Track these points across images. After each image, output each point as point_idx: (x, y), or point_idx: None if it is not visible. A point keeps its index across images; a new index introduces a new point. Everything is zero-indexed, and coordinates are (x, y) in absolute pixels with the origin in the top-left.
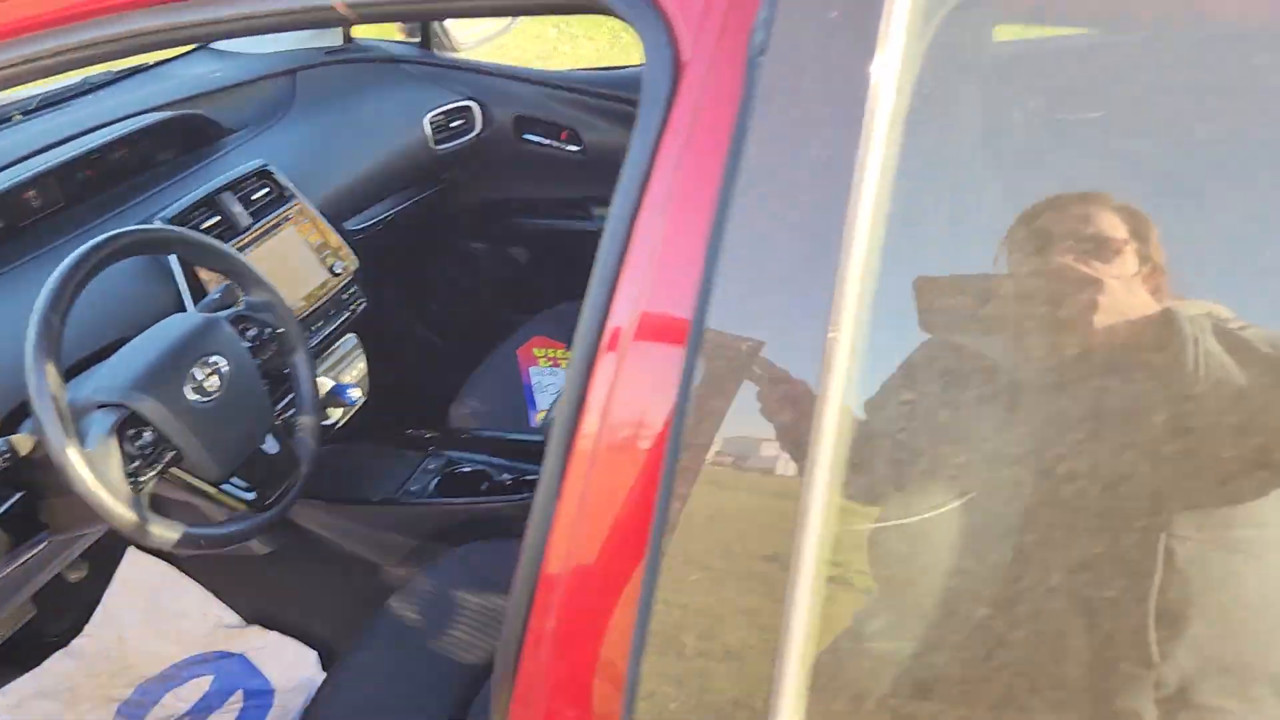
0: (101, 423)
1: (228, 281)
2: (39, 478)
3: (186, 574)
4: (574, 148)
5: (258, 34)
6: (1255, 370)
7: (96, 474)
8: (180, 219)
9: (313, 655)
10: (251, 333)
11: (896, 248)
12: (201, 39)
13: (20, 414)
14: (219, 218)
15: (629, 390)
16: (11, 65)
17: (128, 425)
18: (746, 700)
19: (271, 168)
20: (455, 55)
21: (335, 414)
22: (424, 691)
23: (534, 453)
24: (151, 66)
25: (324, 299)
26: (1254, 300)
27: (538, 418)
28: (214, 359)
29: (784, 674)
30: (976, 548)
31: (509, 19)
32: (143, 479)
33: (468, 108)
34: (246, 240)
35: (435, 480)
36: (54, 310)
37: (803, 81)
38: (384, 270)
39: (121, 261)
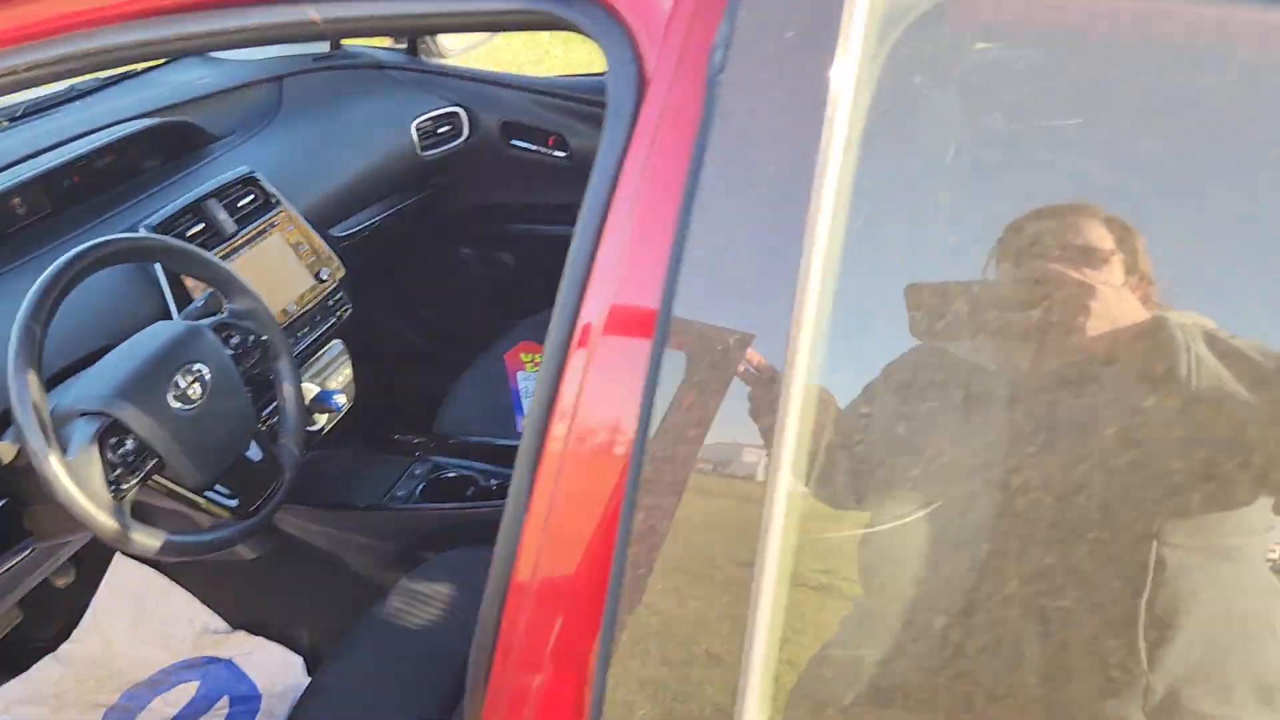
0: (83, 431)
1: (211, 289)
2: (22, 485)
3: (173, 580)
4: (561, 153)
5: (235, 48)
6: (1247, 378)
7: (78, 482)
8: (165, 226)
9: (299, 660)
10: (235, 340)
11: (854, 265)
12: (177, 54)
13: (3, 422)
14: (204, 225)
15: (595, 398)
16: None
17: (110, 433)
18: (714, 709)
19: (257, 174)
20: (442, 61)
21: (321, 419)
22: (407, 696)
23: None
24: (139, 73)
25: (310, 305)
26: (1239, 309)
27: (524, 423)
28: (197, 367)
29: (749, 683)
30: (951, 556)
31: None
32: (125, 487)
33: (455, 114)
34: (231, 247)
35: (421, 486)
36: (35, 319)
37: (761, 101)
38: (371, 276)
39: (106, 269)
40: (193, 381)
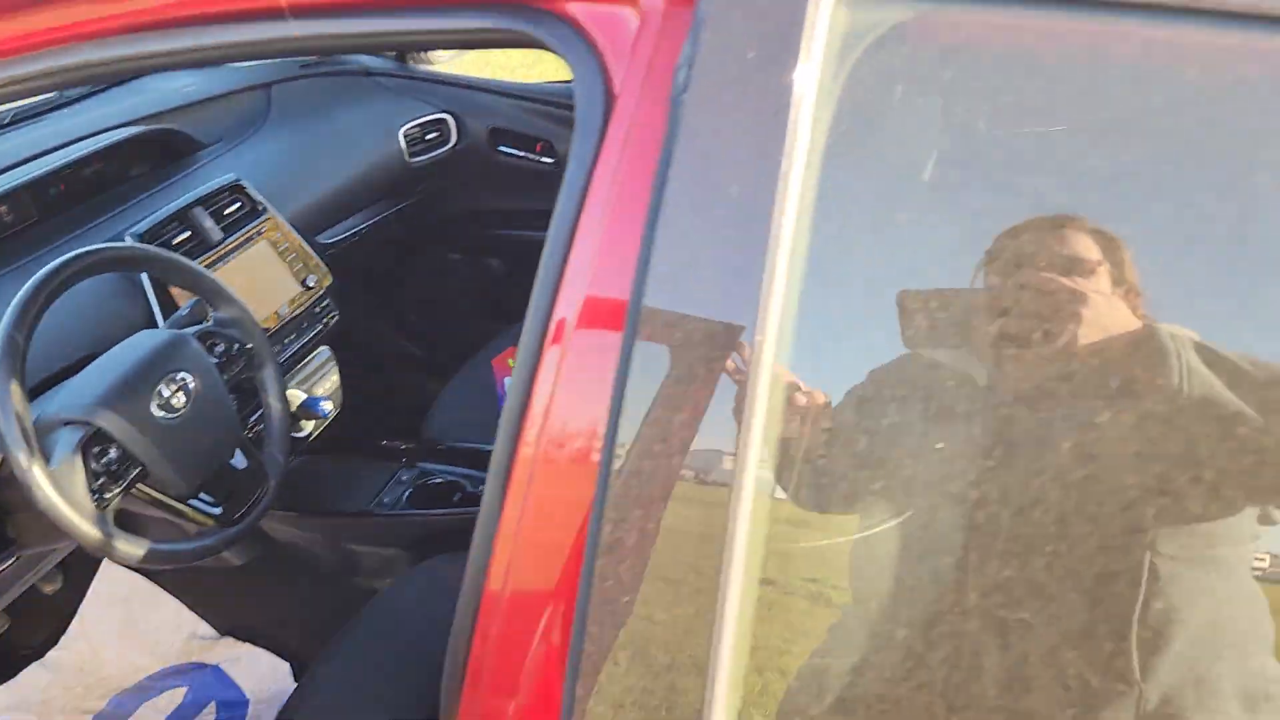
0: (67, 440)
1: (197, 297)
2: (5, 494)
3: (161, 587)
4: (548, 160)
5: (214, 64)
6: (1241, 387)
7: (60, 491)
8: (151, 234)
9: (286, 666)
10: (220, 348)
11: (818, 281)
12: (157, 70)
13: None
14: (190, 232)
15: (565, 410)
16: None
17: (93, 442)
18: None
19: (244, 182)
20: (430, 68)
21: (308, 426)
22: (392, 701)
23: None
24: (126, 81)
25: (296, 312)
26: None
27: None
28: (181, 375)
29: (715, 695)
30: (930, 564)
31: None
32: (108, 495)
33: (443, 120)
34: (218, 255)
35: (408, 491)
36: (18, 328)
37: (724, 120)
38: (360, 282)
39: (92, 278)
40: (176, 390)
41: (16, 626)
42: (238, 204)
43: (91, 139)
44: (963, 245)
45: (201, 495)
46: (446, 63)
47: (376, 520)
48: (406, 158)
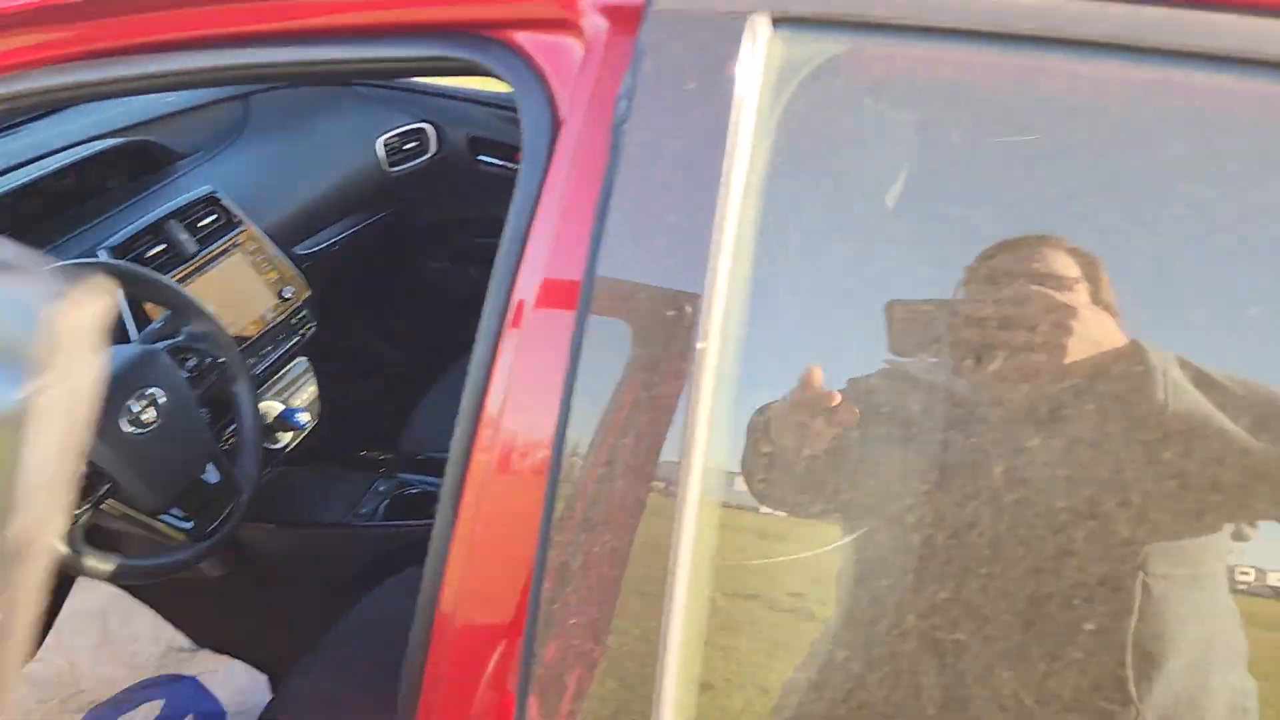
0: None
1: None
2: None
3: (138, 599)
4: None
5: (175, 90)
6: (1224, 404)
7: None
8: (125, 247)
9: (264, 678)
10: (191, 363)
11: (756, 310)
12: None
13: None
14: (165, 245)
15: (507, 440)
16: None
17: None
18: None
19: (219, 194)
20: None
21: (285, 437)
22: (368, 714)
23: None
24: None
25: (273, 324)
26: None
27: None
28: (150, 391)
29: (661, 716)
30: (889, 577)
31: None
32: (77, 511)
33: (422, 130)
34: (193, 268)
35: (386, 502)
36: None
37: (663, 151)
38: (339, 293)
39: None
40: (146, 406)
41: None
42: (213, 216)
43: (67, 151)
44: (898, 269)
45: (173, 510)
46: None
47: (354, 531)
48: (385, 167)
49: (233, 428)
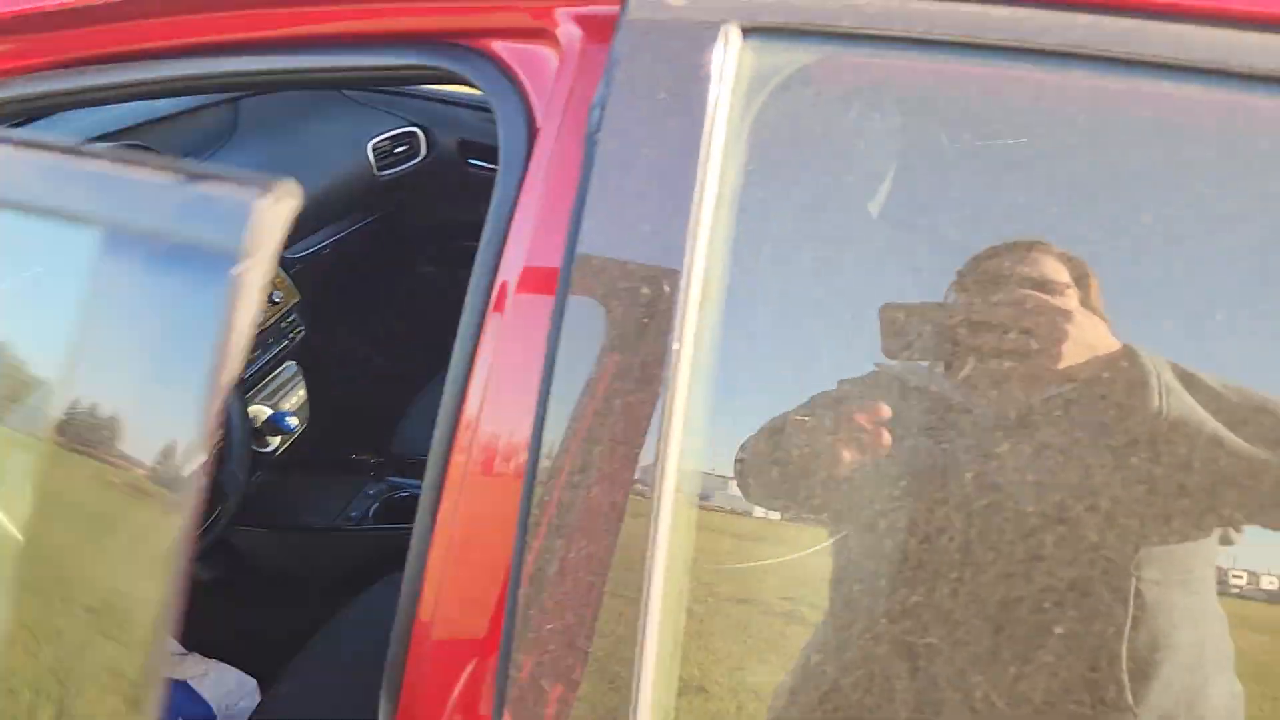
0: None
1: None
2: None
3: None
4: None
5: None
6: (1216, 408)
7: None
8: None
9: (253, 682)
10: None
11: (730, 320)
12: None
13: None
14: None
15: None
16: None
17: None
18: None
19: None
20: None
21: (274, 441)
22: (356, 717)
23: None
24: None
25: (262, 328)
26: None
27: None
28: None
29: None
30: (867, 582)
31: None
32: None
33: (412, 134)
34: None
35: (375, 506)
36: None
37: (636, 161)
38: (328, 297)
39: None
40: None
41: None
42: None
43: None
44: (871, 275)
45: None
46: None
47: (343, 535)
48: (375, 171)
49: (221, 432)
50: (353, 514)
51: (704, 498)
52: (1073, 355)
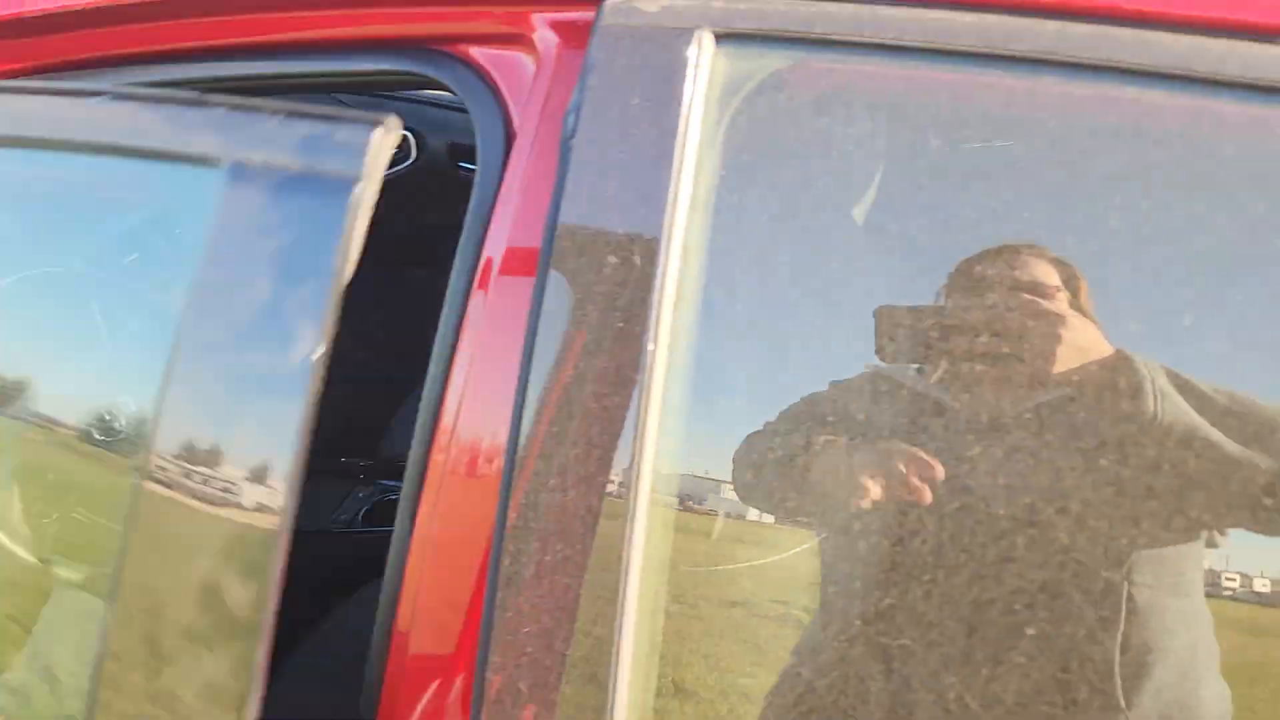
0: None
1: None
2: None
3: None
4: None
5: None
6: (1209, 413)
7: None
8: None
9: None
10: None
11: (704, 322)
12: None
13: None
14: None
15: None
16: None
17: None
18: None
19: None
20: None
21: None
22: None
23: None
24: None
25: None
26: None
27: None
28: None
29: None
30: (857, 584)
31: None
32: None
33: (402, 137)
34: None
35: (365, 509)
36: None
37: (609, 165)
38: None
39: None
40: None
41: None
42: None
43: None
44: (843, 277)
45: None
46: None
47: (332, 538)
48: None
49: None
50: (342, 517)
51: (681, 499)
52: (1065, 360)
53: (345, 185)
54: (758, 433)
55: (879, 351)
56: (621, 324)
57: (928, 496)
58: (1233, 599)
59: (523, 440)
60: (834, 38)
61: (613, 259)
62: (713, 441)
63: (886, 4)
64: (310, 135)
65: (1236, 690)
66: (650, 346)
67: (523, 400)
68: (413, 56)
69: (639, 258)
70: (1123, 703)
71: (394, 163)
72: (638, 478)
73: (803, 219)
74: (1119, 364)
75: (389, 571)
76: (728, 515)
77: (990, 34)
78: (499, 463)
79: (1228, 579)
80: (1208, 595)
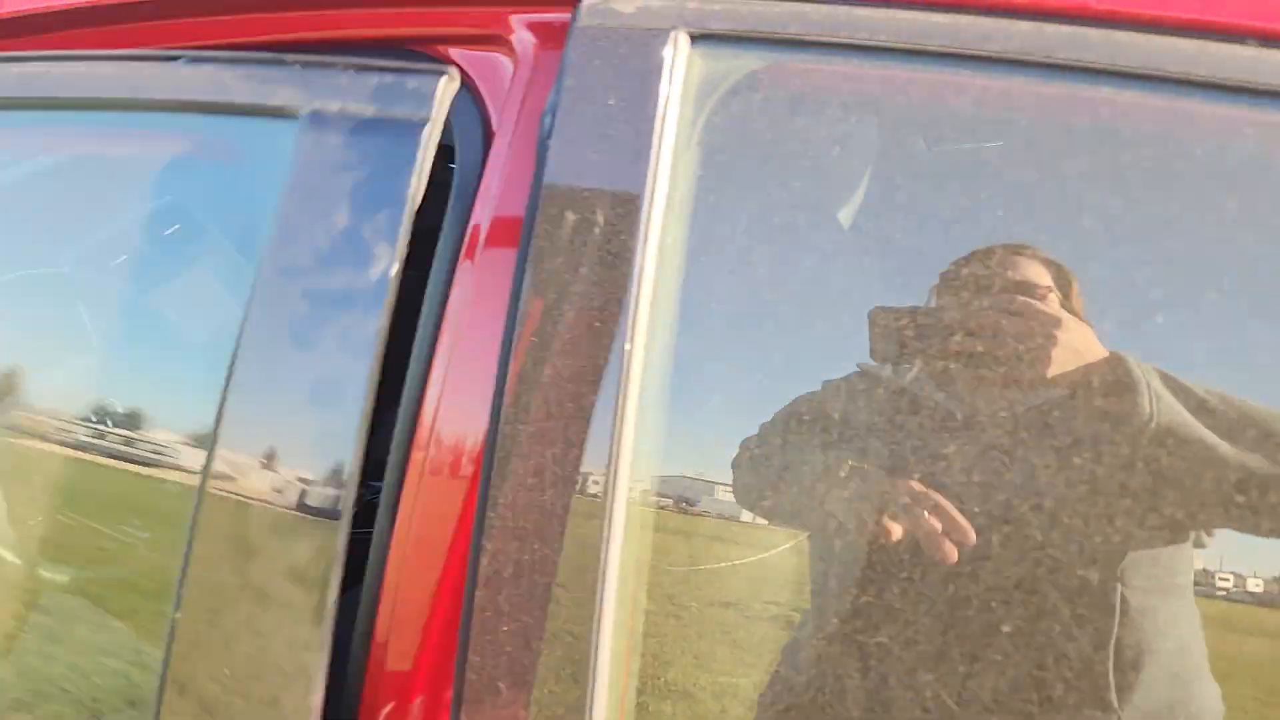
0: None
1: None
2: None
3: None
4: None
5: None
6: (1206, 417)
7: None
8: None
9: None
10: None
11: (681, 322)
12: None
13: None
14: None
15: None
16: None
17: None
18: None
19: None
20: None
21: None
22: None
23: None
24: None
25: None
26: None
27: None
28: None
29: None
30: (847, 585)
31: None
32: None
33: None
34: None
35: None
36: None
37: (586, 166)
38: None
39: None
40: None
41: None
42: None
43: None
44: (818, 276)
45: None
46: None
47: None
48: None
49: None
50: None
51: (658, 498)
52: (1061, 361)
53: (416, 126)
54: (737, 431)
55: (873, 353)
56: (599, 324)
57: (954, 557)
58: (1226, 599)
59: (501, 440)
60: (808, 38)
61: (590, 259)
62: (689, 441)
63: (860, 5)
64: (381, 84)
65: (1228, 689)
66: (627, 346)
67: (500, 401)
68: (391, 57)
69: (616, 258)
70: (1115, 703)
71: None
72: (615, 477)
73: (778, 218)
74: (1115, 366)
75: (369, 570)
76: (706, 514)
77: (963, 35)
78: (477, 463)
79: (1221, 579)
80: (1202, 595)
